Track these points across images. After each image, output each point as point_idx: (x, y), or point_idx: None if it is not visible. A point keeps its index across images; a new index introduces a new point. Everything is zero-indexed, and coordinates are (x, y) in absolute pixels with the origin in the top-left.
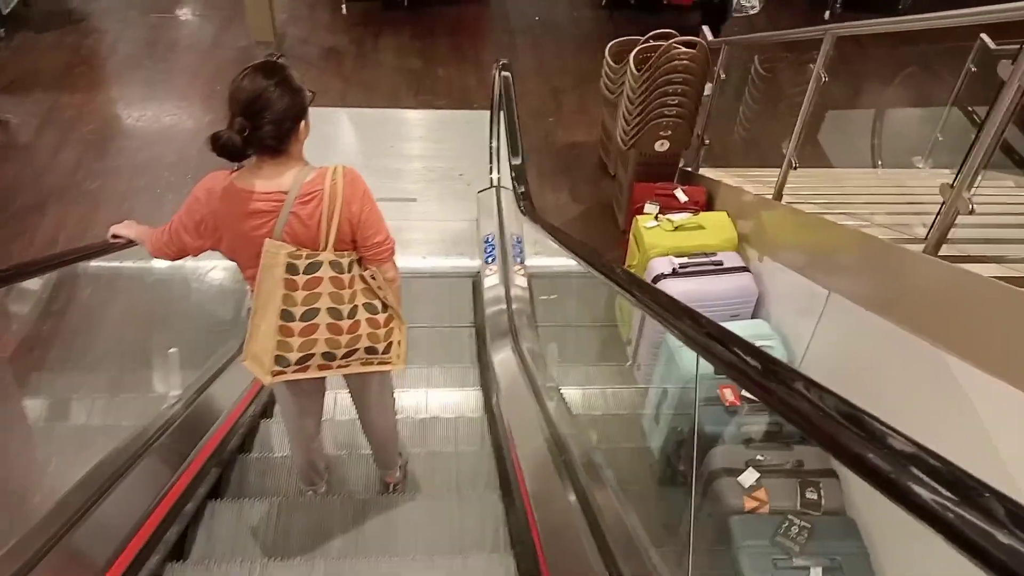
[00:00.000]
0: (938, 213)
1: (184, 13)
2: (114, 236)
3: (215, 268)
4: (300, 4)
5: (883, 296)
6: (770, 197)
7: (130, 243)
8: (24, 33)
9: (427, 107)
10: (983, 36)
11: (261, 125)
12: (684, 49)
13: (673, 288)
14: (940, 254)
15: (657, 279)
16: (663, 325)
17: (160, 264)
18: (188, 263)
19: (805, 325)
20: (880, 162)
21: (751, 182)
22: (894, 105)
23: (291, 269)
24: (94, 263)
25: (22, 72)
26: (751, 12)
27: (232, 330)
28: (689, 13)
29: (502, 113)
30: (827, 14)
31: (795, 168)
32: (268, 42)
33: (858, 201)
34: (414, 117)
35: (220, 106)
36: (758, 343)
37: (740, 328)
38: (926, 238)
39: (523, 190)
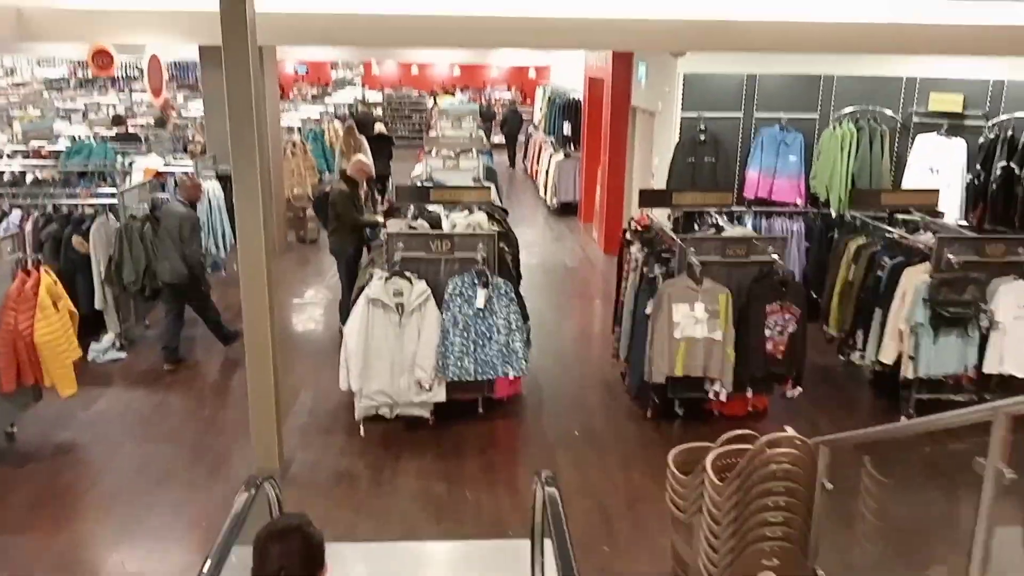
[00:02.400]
0: None
1: (181, 440)
2: None
3: None
4: (313, 427)
5: None
6: None
7: None
8: (0, 468)
9: (452, 538)
10: None
11: None
12: (784, 449)
13: None
14: None
15: None
16: None
17: None
18: None
19: None
20: None
21: None
22: None
23: None
24: None
25: None
26: None
27: None
28: (746, 421)
29: (548, 541)
30: (903, 418)
31: None
32: (273, 469)
33: None
34: (436, 550)
35: (199, 545)
36: None
37: None
38: None
39: None
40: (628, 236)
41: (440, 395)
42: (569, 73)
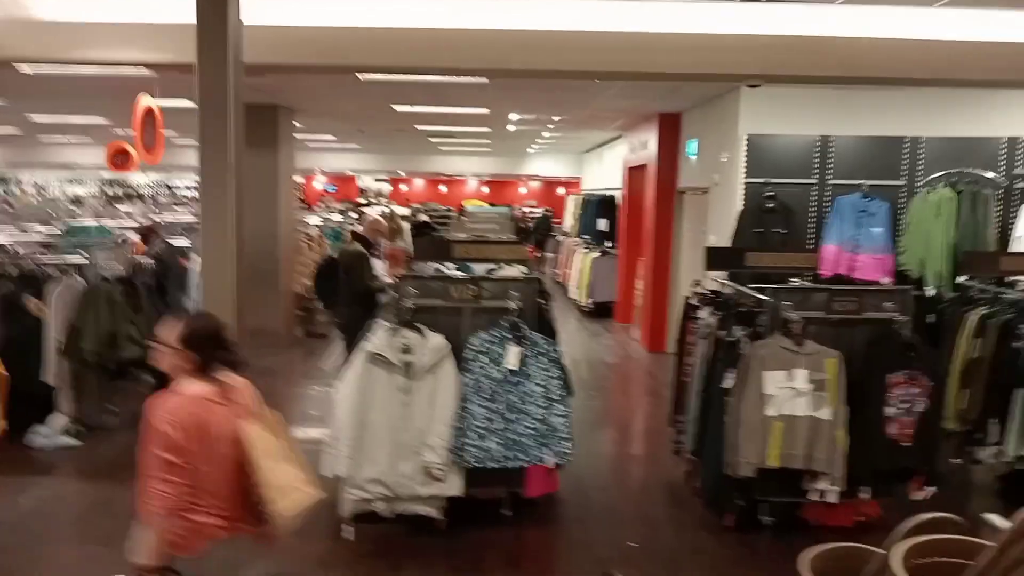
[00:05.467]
0: None
1: (118, 543)
2: None
3: None
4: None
5: None
6: None
7: None
8: None
9: None
10: None
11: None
12: None
13: None
14: None
15: None
16: None
17: None
18: None
19: None
20: None
21: None
22: None
23: None
24: None
25: None
26: None
27: None
28: (854, 536)
29: None
30: None
31: None
32: None
33: None
34: None
35: None
36: None
37: None
38: None
39: None
40: (693, 302)
41: (455, 487)
42: (604, 175)
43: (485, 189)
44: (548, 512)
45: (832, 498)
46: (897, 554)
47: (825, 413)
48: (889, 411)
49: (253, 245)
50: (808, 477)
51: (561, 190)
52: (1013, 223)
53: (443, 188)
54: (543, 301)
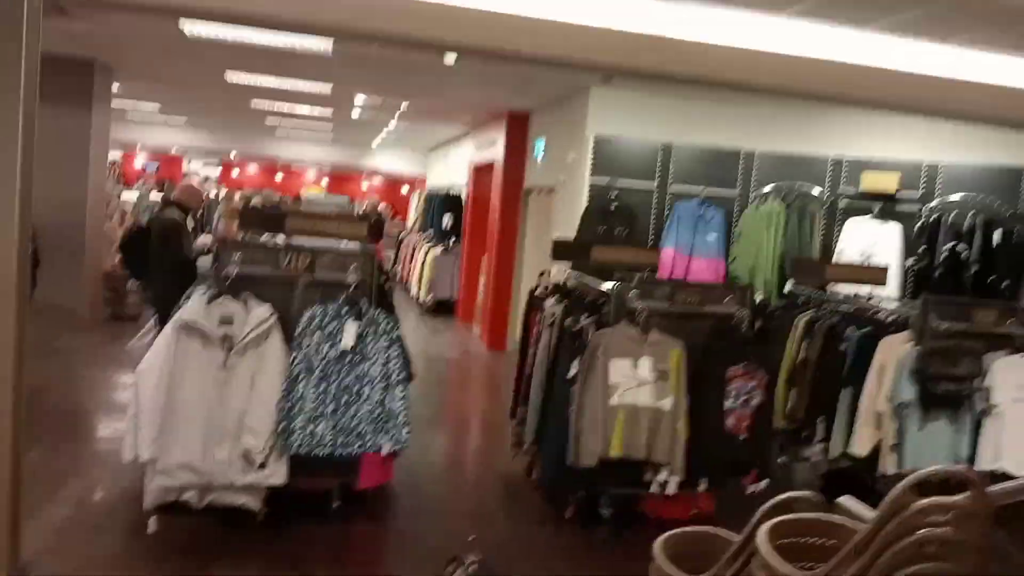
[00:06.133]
0: None
1: None
2: None
3: None
4: (79, 524)
5: None
6: None
7: None
8: None
9: None
10: None
11: None
12: (945, 500)
13: None
14: None
15: None
16: None
17: None
18: None
19: None
20: None
21: None
22: None
23: None
24: None
25: None
26: None
27: None
28: (687, 526)
29: None
30: None
31: None
32: None
33: None
34: None
35: None
36: None
37: None
38: None
39: None
40: (538, 293)
41: (279, 476)
42: (450, 173)
43: (325, 181)
44: (379, 506)
45: (672, 488)
46: (764, 532)
47: (667, 403)
48: (728, 403)
49: (55, 215)
50: (649, 468)
51: (406, 188)
52: (837, 237)
53: (279, 176)
54: (384, 277)
